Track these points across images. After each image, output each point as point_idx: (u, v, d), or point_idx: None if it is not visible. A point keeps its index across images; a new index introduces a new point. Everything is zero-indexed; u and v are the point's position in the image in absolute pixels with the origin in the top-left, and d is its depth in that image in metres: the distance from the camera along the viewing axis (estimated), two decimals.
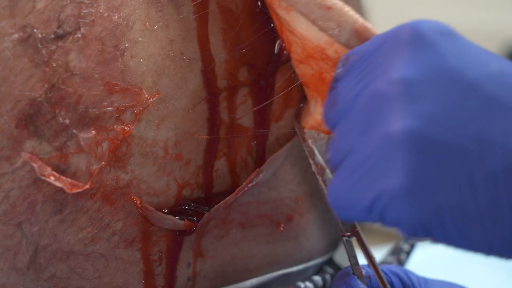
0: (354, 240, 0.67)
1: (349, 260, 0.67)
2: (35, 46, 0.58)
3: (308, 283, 0.73)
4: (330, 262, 0.79)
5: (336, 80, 0.58)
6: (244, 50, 0.67)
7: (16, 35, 0.57)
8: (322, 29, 0.61)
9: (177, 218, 0.65)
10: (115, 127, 0.61)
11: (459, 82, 0.51)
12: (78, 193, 0.60)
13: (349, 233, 0.67)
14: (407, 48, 0.53)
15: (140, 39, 0.62)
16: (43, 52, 0.58)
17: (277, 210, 0.71)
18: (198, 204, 0.67)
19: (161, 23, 0.63)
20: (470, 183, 0.50)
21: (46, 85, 0.58)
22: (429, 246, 1.24)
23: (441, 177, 0.50)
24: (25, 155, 0.58)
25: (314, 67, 0.66)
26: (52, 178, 0.59)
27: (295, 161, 0.71)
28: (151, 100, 0.62)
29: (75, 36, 0.59)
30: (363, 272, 0.67)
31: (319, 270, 0.77)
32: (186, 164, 0.65)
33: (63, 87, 0.59)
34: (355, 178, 0.53)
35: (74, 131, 0.60)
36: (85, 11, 0.59)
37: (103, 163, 0.61)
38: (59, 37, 0.58)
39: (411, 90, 0.51)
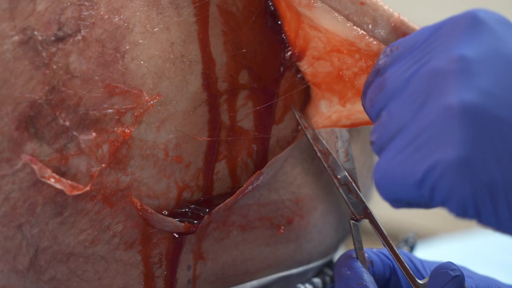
0: (362, 224, 0.68)
1: (354, 244, 0.68)
2: (35, 48, 0.58)
3: (308, 285, 0.73)
4: (330, 264, 0.79)
5: (377, 71, 0.58)
6: (244, 50, 0.67)
7: (16, 37, 0.57)
8: (356, 24, 0.61)
9: (177, 221, 0.65)
10: (115, 129, 0.61)
11: None
12: (79, 195, 0.60)
13: (361, 215, 0.68)
14: (467, 30, 0.53)
15: (140, 41, 0.62)
16: (44, 54, 0.58)
17: (277, 213, 0.71)
18: (199, 206, 0.67)
19: (161, 26, 0.63)
20: None
21: (46, 87, 0.58)
22: (428, 248, 1.24)
23: (498, 152, 0.49)
24: (25, 157, 0.58)
25: (335, 63, 0.65)
26: (53, 180, 0.59)
27: (295, 163, 0.71)
28: (152, 102, 0.62)
29: (76, 38, 0.59)
30: (366, 256, 0.68)
31: (319, 272, 0.77)
32: (186, 167, 0.65)
33: (63, 89, 0.59)
34: (407, 153, 0.52)
35: (75, 133, 0.60)
36: (85, 13, 0.59)
37: (103, 165, 0.61)
38: (59, 39, 0.58)
39: (470, 67, 0.51)
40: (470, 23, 0.53)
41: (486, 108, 0.50)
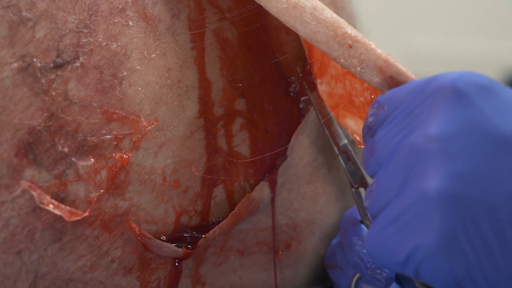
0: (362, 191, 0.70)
1: (359, 210, 0.69)
2: (34, 75, 0.58)
3: None
4: None
5: (369, 127, 0.59)
6: (240, 84, 0.68)
7: (15, 64, 0.57)
8: (345, 66, 0.61)
9: (176, 246, 0.65)
10: (113, 155, 0.61)
11: (495, 138, 0.53)
12: (77, 221, 0.60)
13: (358, 184, 0.69)
14: (445, 104, 0.54)
15: (138, 67, 0.62)
16: (42, 81, 0.58)
17: (275, 238, 0.71)
18: (197, 231, 0.67)
19: (158, 52, 0.64)
20: (502, 245, 0.52)
21: (45, 114, 0.59)
22: None
23: (473, 237, 0.52)
24: (24, 184, 0.58)
25: (347, 87, 0.66)
26: (51, 206, 0.59)
27: (292, 188, 0.72)
28: (149, 128, 0.63)
29: (74, 65, 0.60)
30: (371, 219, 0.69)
31: None
32: (184, 192, 0.66)
33: (62, 115, 0.59)
34: (391, 231, 0.55)
35: (73, 159, 0.60)
36: (83, 40, 0.60)
37: (101, 190, 0.61)
38: (58, 66, 0.59)
39: (447, 147, 0.53)
40: (449, 96, 0.54)
41: (461, 194, 0.52)
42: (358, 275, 0.69)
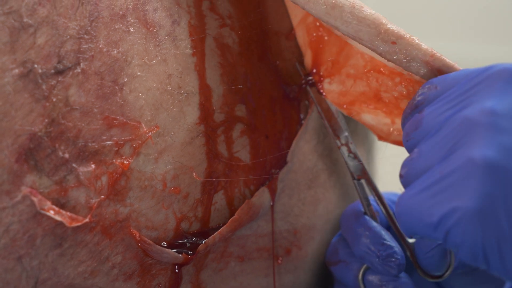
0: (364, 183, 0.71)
1: (361, 201, 0.70)
2: (35, 81, 0.58)
3: None
4: None
5: (416, 106, 0.60)
6: (241, 86, 0.68)
7: (16, 70, 0.58)
8: (391, 61, 0.61)
9: (176, 252, 0.65)
10: (114, 161, 0.62)
11: None
12: (78, 227, 0.60)
13: (359, 176, 0.70)
14: (502, 85, 0.55)
15: (138, 73, 0.63)
16: (43, 87, 0.58)
17: (275, 243, 0.72)
18: (197, 237, 0.67)
19: (159, 58, 0.64)
20: None
21: (46, 120, 0.59)
22: None
23: (510, 209, 0.53)
24: (25, 189, 0.58)
25: (372, 84, 0.66)
26: (52, 212, 0.59)
27: (292, 194, 0.72)
28: (150, 134, 0.63)
29: (75, 71, 0.60)
30: (374, 209, 0.70)
31: None
32: (184, 198, 0.66)
33: (63, 121, 0.59)
34: (429, 193, 0.55)
35: (74, 165, 0.60)
36: (84, 46, 0.60)
37: (102, 196, 0.61)
38: (59, 72, 0.59)
39: (497, 122, 0.54)
40: (506, 79, 0.55)
41: (505, 165, 0.53)
42: (364, 267, 0.69)
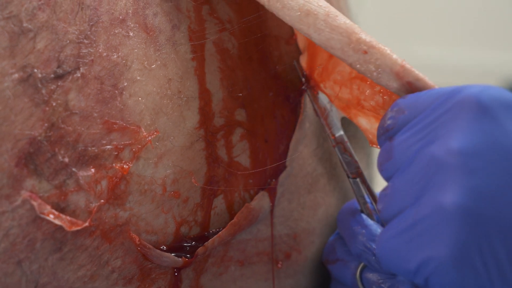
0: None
1: (357, 199, 0.70)
2: (35, 86, 0.58)
3: None
4: None
5: (386, 129, 0.60)
6: (241, 94, 0.68)
7: (16, 75, 0.58)
8: (361, 72, 0.61)
9: (175, 255, 0.65)
10: (114, 165, 0.62)
11: None
12: (78, 231, 0.61)
13: (354, 175, 0.70)
14: (468, 118, 0.54)
15: (138, 78, 0.63)
16: (43, 91, 0.59)
17: (275, 248, 0.72)
18: (197, 241, 0.67)
19: (159, 62, 0.64)
20: None
21: (46, 124, 0.59)
22: None
23: (485, 255, 0.53)
24: (25, 194, 0.58)
25: (354, 92, 0.66)
26: (52, 216, 0.59)
27: (292, 198, 0.72)
28: (150, 138, 0.63)
29: (75, 75, 0.60)
30: (370, 207, 0.70)
31: None
32: (184, 202, 0.66)
33: (62, 126, 0.59)
34: (405, 238, 0.55)
35: (74, 169, 0.60)
36: (84, 51, 0.60)
37: (102, 201, 0.61)
38: (58, 77, 0.59)
39: (467, 162, 0.53)
40: (474, 111, 0.54)
41: (476, 209, 0.53)
42: (362, 265, 0.69)
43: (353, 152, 0.71)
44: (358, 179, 0.70)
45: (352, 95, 0.67)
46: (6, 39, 0.57)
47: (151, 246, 0.64)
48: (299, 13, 0.62)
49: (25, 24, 0.58)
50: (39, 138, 0.59)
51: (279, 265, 0.72)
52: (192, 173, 0.66)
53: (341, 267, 0.71)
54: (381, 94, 0.65)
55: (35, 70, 0.58)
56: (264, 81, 0.70)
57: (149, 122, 0.63)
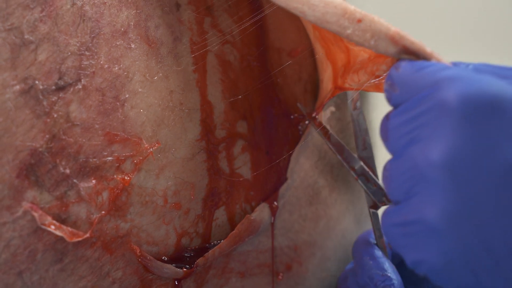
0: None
1: (374, 232, 0.70)
2: (36, 98, 0.58)
3: None
4: None
5: (388, 100, 0.60)
6: (240, 97, 0.68)
7: (17, 87, 0.58)
8: (359, 43, 0.61)
9: (176, 267, 0.65)
10: (115, 176, 0.62)
11: (498, 167, 0.53)
12: (79, 242, 0.61)
13: (383, 202, 0.70)
14: (449, 125, 0.54)
15: (140, 90, 0.63)
16: (44, 103, 0.59)
17: (276, 259, 0.72)
18: (198, 253, 0.67)
19: (160, 74, 0.64)
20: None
21: (47, 136, 0.59)
22: None
23: (471, 264, 0.54)
24: (26, 205, 0.58)
25: (369, 69, 0.66)
26: (53, 227, 0.59)
27: (293, 210, 0.72)
28: (151, 150, 0.63)
29: (76, 87, 0.60)
30: (385, 239, 0.70)
31: None
32: (185, 213, 0.66)
33: (64, 137, 0.60)
34: (400, 232, 0.56)
35: (75, 180, 0.60)
36: (85, 62, 0.60)
37: (103, 212, 0.62)
38: (60, 89, 0.59)
39: (445, 178, 0.53)
40: (454, 115, 0.54)
41: (458, 225, 0.54)
42: None
43: (378, 180, 0.70)
44: (379, 211, 0.70)
45: (368, 73, 0.66)
46: (7, 51, 0.57)
47: (152, 257, 0.64)
48: None
49: (26, 36, 0.58)
50: (40, 149, 0.59)
51: (280, 277, 0.72)
52: (193, 185, 0.66)
53: None
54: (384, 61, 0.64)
55: (37, 82, 0.58)
56: (265, 93, 0.70)
57: (150, 134, 0.63)
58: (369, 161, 0.71)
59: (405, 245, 0.56)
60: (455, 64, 0.58)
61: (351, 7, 0.61)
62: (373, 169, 0.71)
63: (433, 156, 0.54)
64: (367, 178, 0.71)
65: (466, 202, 0.53)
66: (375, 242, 0.70)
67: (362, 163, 0.71)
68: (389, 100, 0.59)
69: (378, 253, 0.69)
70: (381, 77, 0.65)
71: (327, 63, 0.71)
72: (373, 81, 0.65)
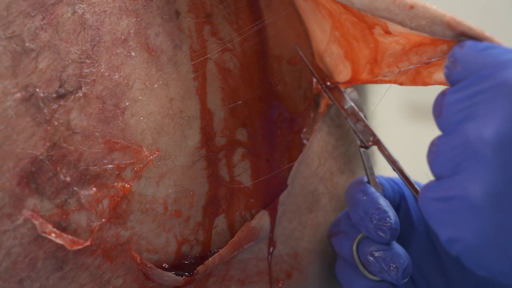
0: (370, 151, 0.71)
1: (365, 170, 0.71)
2: (37, 105, 0.59)
3: None
4: None
5: (445, 75, 0.60)
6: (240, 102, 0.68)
7: (18, 94, 0.58)
8: (413, 29, 0.60)
9: (176, 274, 0.65)
10: (115, 184, 0.62)
11: None
12: (79, 250, 0.61)
13: (370, 142, 0.71)
14: (505, 106, 0.55)
15: (140, 97, 0.63)
16: (45, 111, 0.59)
17: (276, 267, 0.72)
18: (198, 260, 0.67)
19: (160, 82, 0.64)
20: None
21: (47, 144, 0.59)
22: None
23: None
24: (26, 213, 0.58)
25: (414, 60, 0.65)
26: (53, 235, 0.59)
27: (293, 217, 0.72)
28: (151, 157, 0.63)
29: (77, 95, 0.60)
30: (377, 181, 0.71)
31: None
32: (185, 221, 0.66)
33: (64, 145, 0.60)
34: (439, 207, 0.56)
35: (75, 188, 0.60)
36: (86, 70, 0.60)
37: (103, 220, 0.62)
38: (60, 96, 0.59)
39: (499, 156, 0.54)
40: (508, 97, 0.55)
41: (504, 203, 0.54)
42: (360, 236, 0.70)
43: (366, 120, 0.71)
44: (368, 150, 0.71)
45: (415, 63, 0.66)
46: (8, 59, 0.58)
47: (152, 265, 0.64)
48: None
49: (27, 44, 0.58)
50: (41, 157, 0.59)
51: (280, 285, 0.72)
52: (193, 192, 0.66)
53: (341, 239, 0.71)
54: (440, 45, 0.64)
55: (37, 90, 0.59)
56: (265, 100, 0.70)
57: (150, 142, 0.63)
58: (357, 103, 0.72)
59: (442, 220, 0.56)
60: None
61: None
62: (361, 109, 0.72)
63: (487, 134, 0.54)
64: (356, 118, 0.71)
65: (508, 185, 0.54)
66: (367, 181, 0.70)
67: (352, 103, 0.71)
68: (449, 77, 0.59)
69: (371, 189, 0.70)
70: (430, 62, 0.64)
71: (344, 63, 0.71)
72: (422, 64, 0.64)
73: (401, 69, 0.66)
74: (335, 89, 0.72)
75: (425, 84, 0.68)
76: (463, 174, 0.55)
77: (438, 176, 0.57)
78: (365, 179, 0.71)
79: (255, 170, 0.69)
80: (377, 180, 0.71)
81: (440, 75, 0.66)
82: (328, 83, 0.72)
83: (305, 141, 0.73)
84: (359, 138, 0.71)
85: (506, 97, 0.55)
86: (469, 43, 0.59)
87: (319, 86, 0.73)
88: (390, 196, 0.72)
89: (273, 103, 0.71)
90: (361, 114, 0.71)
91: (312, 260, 0.74)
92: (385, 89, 0.70)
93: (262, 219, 0.69)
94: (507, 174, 0.54)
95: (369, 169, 0.71)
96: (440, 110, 0.59)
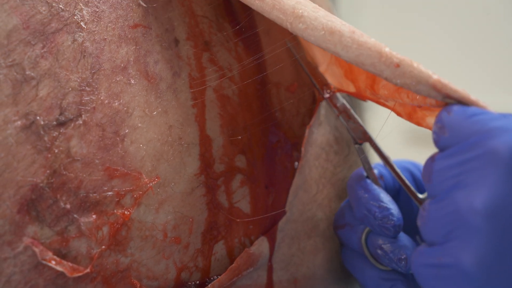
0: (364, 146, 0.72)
1: (363, 165, 0.71)
2: (37, 133, 0.59)
3: None
4: None
5: (433, 140, 0.60)
6: (240, 137, 0.68)
7: (19, 122, 0.58)
8: (399, 85, 0.60)
9: None
10: (115, 211, 0.62)
11: None
12: (79, 277, 0.61)
13: (361, 140, 0.72)
14: (496, 176, 0.55)
15: (139, 125, 0.63)
16: (45, 138, 0.59)
17: None
18: (198, 287, 0.67)
19: (160, 109, 0.65)
20: None
21: (48, 171, 0.59)
22: None
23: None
24: (27, 240, 0.59)
25: (406, 100, 0.65)
26: (53, 262, 0.59)
27: (292, 243, 0.72)
28: (151, 184, 0.63)
29: (77, 122, 0.60)
30: (376, 172, 0.72)
31: None
32: (185, 248, 0.66)
33: (64, 172, 0.60)
34: (432, 273, 0.57)
35: (75, 215, 0.60)
36: (86, 98, 0.61)
37: (103, 247, 0.62)
38: (61, 124, 0.60)
39: (486, 225, 0.54)
40: (502, 166, 0.55)
41: (491, 275, 0.55)
42: (367, 229, 0.71)
43: (358, 118, 0.71)
44: (364, 144, 0.71)
45: (404, 104, 0.66)
46: (9, 87, 0.58)
47: None
48: (323, 32, 0.61)
49: (28, 72, 0.59)
50: (41, 184, 0.59)
51: None
52: (193, 219, 0.66)
53: (348, 232, 0.72)
54: (429, 98, 0.63)
55: (38, 117, 0.59)
56: (264, 127, 0.70)
57: (150, 169, 0.64)
58: (348, 101, 0.73)
59: (436, 287, 0.56)
60: (504, 116, 0.58)
61: (386, 49, 0.60)
62: (353, 106, 0.72)
63: (477, 203, 0.55)
64: (348, 115, 0.72)
65: (504, 253, 0.54)
66: (366, 175, 0.71)
67: (344, 101, 0.72)
68: (437, 142, 0.60)
69: (371, 185, 0.70)
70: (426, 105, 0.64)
71: (347, 83, 0.71)
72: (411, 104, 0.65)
73: (397, 101, 0.67)
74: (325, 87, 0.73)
75: (419, 124, 0.68)
76: (455, 243, 0.56)
77: (429, 242, 0.58)
78: (364, 173, 0.72)
79: (254, 197, 0.70)
80: (377, 169, 0.72)
81: (432, 120, 0.66)
82: (328, 90, 0.73)
83: (296, 164, 0.73)
84: (351, 135, 0.72)
85: (495, 166, 0.55)
86: (456, 108, 0.59)
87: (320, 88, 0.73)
88: (390, 183, 0.73)
89: (271, 129, 0.71)
90: (353, 112, 0.72)
91: (311, 286, 0.74)
92: (385, 113, 0.70)
93: (261, 245, 0.69)
94: (498, 242, 0.54)
95: (366, 163, 0.72)
96: (430, 176, 0.59)
